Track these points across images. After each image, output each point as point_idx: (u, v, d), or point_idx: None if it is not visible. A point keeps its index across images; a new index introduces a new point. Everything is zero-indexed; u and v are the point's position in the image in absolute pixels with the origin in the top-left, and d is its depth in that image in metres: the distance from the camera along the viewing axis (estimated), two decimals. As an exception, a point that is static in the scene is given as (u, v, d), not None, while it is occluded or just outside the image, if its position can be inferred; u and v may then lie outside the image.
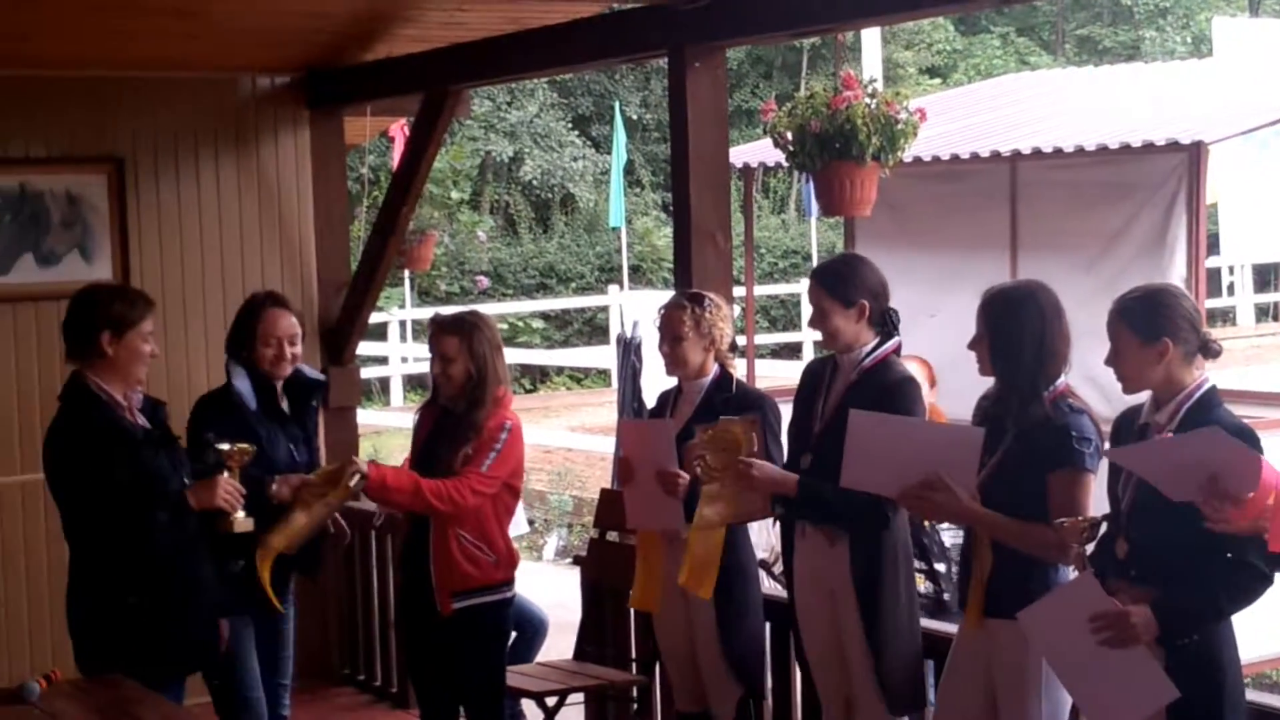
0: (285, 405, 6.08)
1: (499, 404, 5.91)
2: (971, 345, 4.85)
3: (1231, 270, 26.30)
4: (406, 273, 20.85)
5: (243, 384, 5.92)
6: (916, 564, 6.41)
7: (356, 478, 5.77)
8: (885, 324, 5.31)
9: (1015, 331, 4.72)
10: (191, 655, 5.45)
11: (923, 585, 6.33)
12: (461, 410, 5.89)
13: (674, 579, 5.72)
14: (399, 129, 14.12)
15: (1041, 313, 4.73)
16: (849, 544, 5.19)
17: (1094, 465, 4.65)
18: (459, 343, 5.85)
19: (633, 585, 5.97)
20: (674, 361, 5.77)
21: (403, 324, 22.22)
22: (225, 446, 5.50)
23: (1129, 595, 4.24)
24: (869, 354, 5.27)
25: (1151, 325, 4.32)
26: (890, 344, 5.31)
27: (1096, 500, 4.59)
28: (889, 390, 5.16)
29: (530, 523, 10.04)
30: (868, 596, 5.16)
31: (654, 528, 5.84)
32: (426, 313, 23.21)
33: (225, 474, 5.43)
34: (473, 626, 5.95)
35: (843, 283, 5.27)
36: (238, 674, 5.94)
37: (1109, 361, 4.41)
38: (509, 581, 6.05)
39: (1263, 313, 27.72)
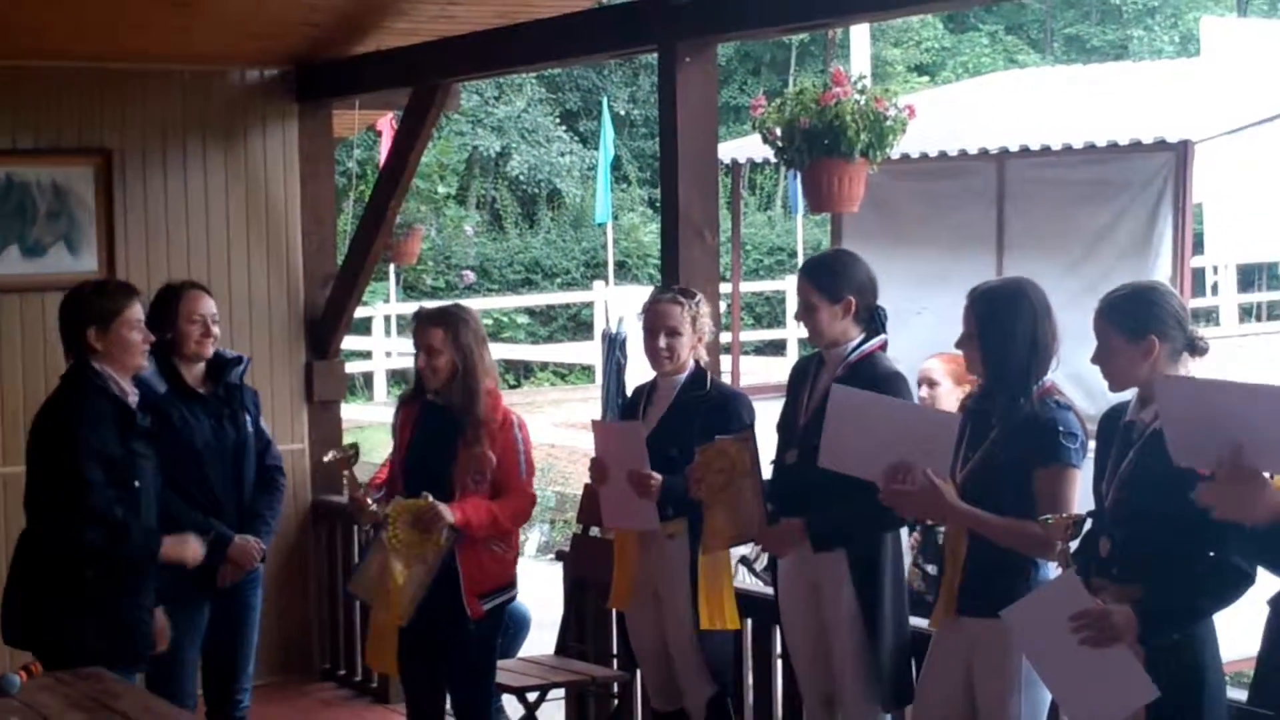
0: (209, 387, 6.11)
1: (492, 397, 5.95)
2: (960, 343, 4.86)
3: (1216, 270, 26.33)
4: (392, 267, 20.82)
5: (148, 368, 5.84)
6: (925, 564, 6.43)
7: (446, 532, 5.80)
8: (873, 321, 5.33)
9: (1005, 329, 4.72)
10: (131, 641, 5.45)
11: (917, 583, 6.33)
12: (457, 404, 5.91)
13: (646, 578, 5.78)
14: (387, 123, 14.11)
15: (1032, 309, 4.75)
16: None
17: (1079, 461, 4.66)
18: (444, 334, 5.90)
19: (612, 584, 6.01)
20: (670, 355, 5.77)
21: (387, 318, 22.18)
22: (329, 457, 6.23)
23: (1111, 593, 4.24)
24: (855, 349, 5.28)
25: (1138, 323, 4.32)
26: (876, 340, 5.31)
27: (1082, 497, 4.60)
28: (877, 384, 5.14)
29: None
30: (866, 588, 5.17)
31: (629, 528, 5.87)
32: (411, 307, 23.06)
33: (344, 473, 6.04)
34: (494, 625, 6.04)
35: (831, 277, 5.29)
36: (172, 666, 5.93)
37: (1095, 359, 4.41)
38: (516, 576, 6.16)
39: (1246, 312, 27.71)
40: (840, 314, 5.25)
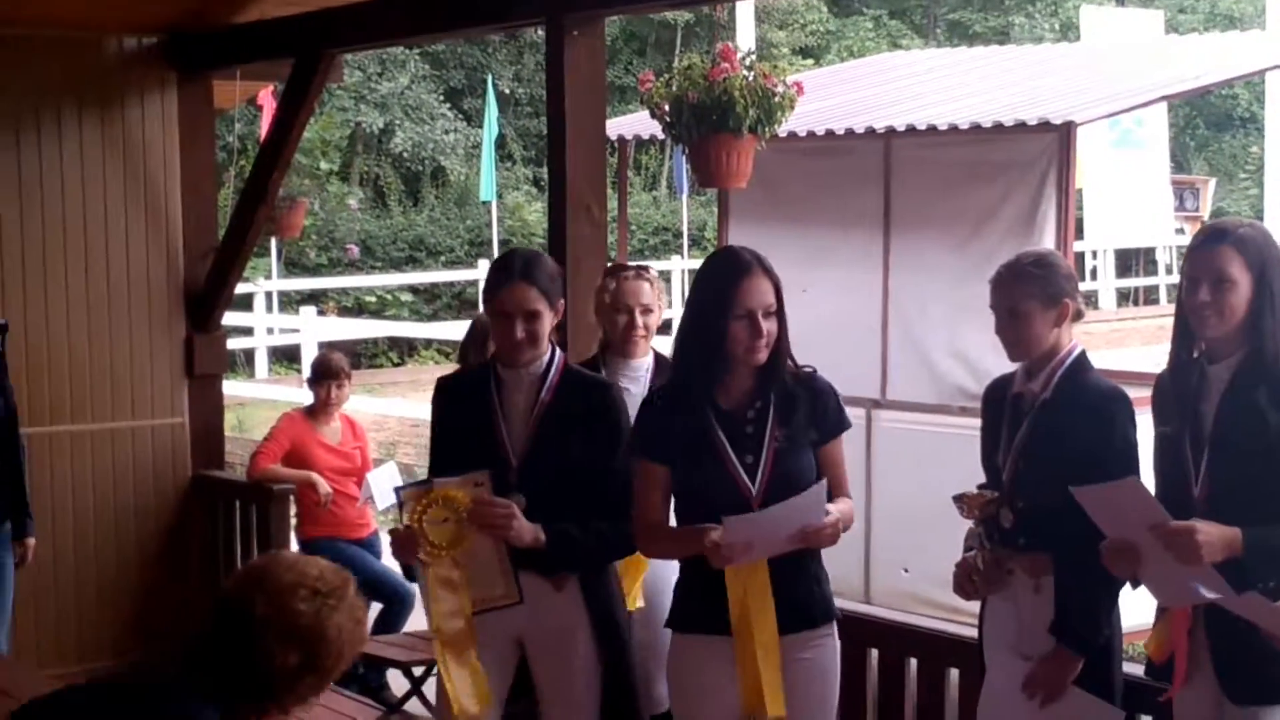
0: None
1: None
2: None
3: (1095, 255, 26.68)
4: (274, 243, 20.55)
5: None
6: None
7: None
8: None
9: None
10: None
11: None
12: None
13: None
14: (267, 95, 13.91)
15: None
16: (579, 581, 4.64)
17: None
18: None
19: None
20: (647, 335, 5.65)
21: (269, 295, 21.89)
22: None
23: (1020, 564, 4.29)
24: (550, 364, 4.65)
25: (1053, 287, 4.35)
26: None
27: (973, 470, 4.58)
28: (601, 402, 4.64)
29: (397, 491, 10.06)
30: (606, 629, 4.68)
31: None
32: (294, 284, 22.95)
33: None
34: None
35: (552, 280, 4.65)
36: None
37: (1002, 329, 4.39)
38: None
39: (1124, 297, 28.17)
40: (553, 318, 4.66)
